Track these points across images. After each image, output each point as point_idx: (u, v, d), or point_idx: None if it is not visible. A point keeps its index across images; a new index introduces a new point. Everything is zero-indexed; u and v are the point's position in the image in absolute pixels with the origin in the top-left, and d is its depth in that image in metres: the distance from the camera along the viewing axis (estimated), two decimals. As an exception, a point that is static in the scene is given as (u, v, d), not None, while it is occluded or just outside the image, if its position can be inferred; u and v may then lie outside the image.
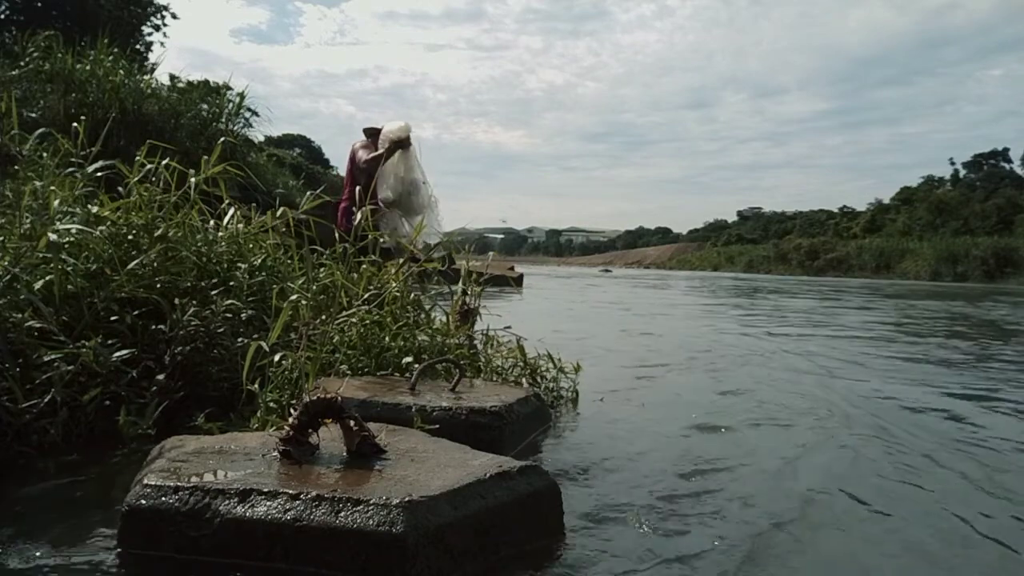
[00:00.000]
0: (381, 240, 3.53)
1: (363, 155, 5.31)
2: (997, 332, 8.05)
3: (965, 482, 2.19)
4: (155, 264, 2.65)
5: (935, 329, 8.07)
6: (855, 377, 4.16)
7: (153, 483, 1.45)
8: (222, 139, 3.58)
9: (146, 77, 9.35)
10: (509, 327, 3.28)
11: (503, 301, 9.15)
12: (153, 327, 2.47)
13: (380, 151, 5.03)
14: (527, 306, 9.93)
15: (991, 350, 6.00)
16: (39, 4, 17.36)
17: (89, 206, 2.78)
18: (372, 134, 5.64)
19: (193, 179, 2.96)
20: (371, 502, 1.34)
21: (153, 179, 2.92)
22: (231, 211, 3.10)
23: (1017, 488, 2.13)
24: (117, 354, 2.24)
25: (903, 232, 56.60)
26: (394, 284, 3.12)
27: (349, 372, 2.62)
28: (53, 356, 2.09)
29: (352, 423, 1.66)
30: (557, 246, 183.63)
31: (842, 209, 74.70)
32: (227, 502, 1.39)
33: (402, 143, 5.11)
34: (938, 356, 5.40)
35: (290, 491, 1.39)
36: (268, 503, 1.38)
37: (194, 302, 2.55)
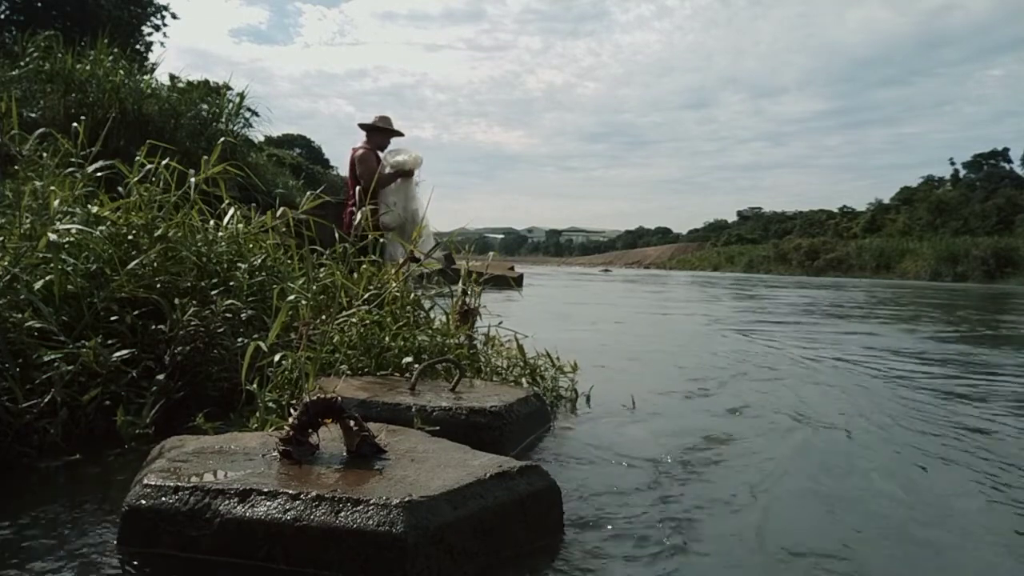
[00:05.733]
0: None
1: (362, 171, 5.33)
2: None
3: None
4: (155, 264, 2.65)
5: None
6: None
7: (153, 483, 1.45)
8: (222, 139, 3.58)
9: (146, 77, 9.35)
10: (501, 323, 3.29)
11: (503, 301, 9.15)
12: (153, 327, 2.47)
13: (377, 172, 5.02)
14: (527, 306, 9.93)
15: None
16: (39, 4, 17.38)
17: (89, 206, 2.78)
18: (370, 130, 5.64)
19: (193, 179, 2.96)
20: (371, 502, 1.34)
21: (153, 179, 2.92)
22: (231, 211, 3.10)
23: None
24: (117, 354, 2.24)
25: (903, 232, 56.63)
26: (394, 284, 3.12)
27: (349, 372, 2.62)
28: (53, 356, 2.09)
29: (352, 423, 1.66)
30: (557, 246, 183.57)
31: (842, 209, 74.74)
32: (227, 502, 1.39)
33: (405, 173, 5.12)
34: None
35: (290, 491, 1.39)
36: (268, 503, 1.37)
37: (194, 302, 2.55)
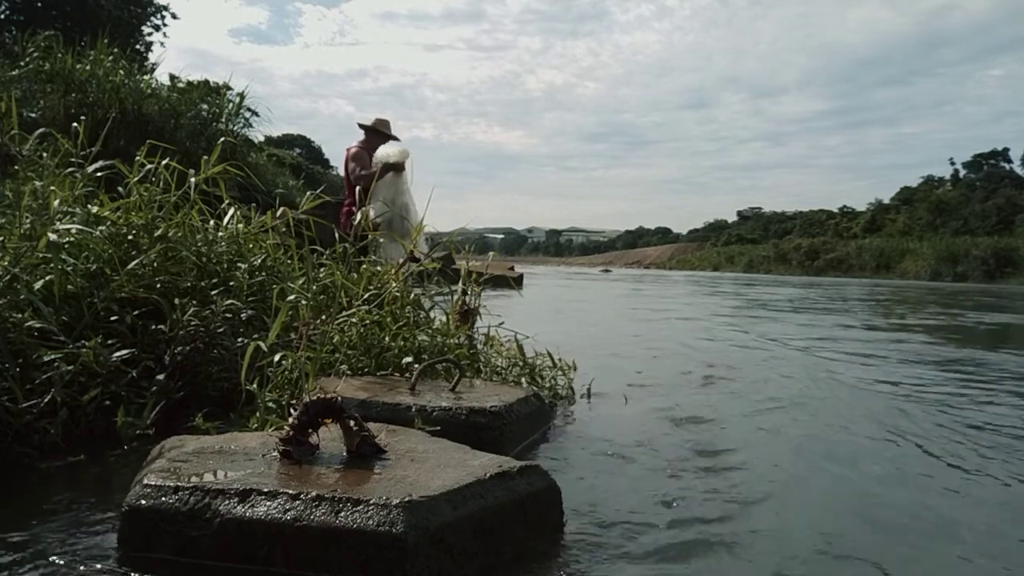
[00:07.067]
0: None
1: (354, 167, 5.35)
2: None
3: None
4: (155, 264, 2.64)
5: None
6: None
7: (153, 483, 1.45)
8: (222, 139, 3.58)
9: (146, 77, 9.36)
10: (502, 323, 3.29)
11: (503, 301, 9.16)
12: (153, 327, 2.47)
13: (372, 170, 5.03)
14: (527, 306, 9.93)
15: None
16: (39, 4, 17.39)
17: (89, 206, 2.77)
18: (369, 130, 5.63)
19: (193, 179, 2.96)
20: (371, 502, 1.34)
21: (153, 179, 2.92)
22: (231, 211, 3.10)
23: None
24: (117, 354, 2.24)
25: (903, 232, 56.67)
26: (394, 284, 3.12)
27: (349, 372, 2.62)
28: (53, 356, 2.09)
29: (352, 423, 1.66)
30: (557, 246, 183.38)
31: (842, 209, 74.74)
32: (227, 502, 1.39)
33: (395, 167, 5.13)
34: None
35: (290, 491, 1.39)
36: (268, 503, 1.37)
37: (194, 302, 2.55)
